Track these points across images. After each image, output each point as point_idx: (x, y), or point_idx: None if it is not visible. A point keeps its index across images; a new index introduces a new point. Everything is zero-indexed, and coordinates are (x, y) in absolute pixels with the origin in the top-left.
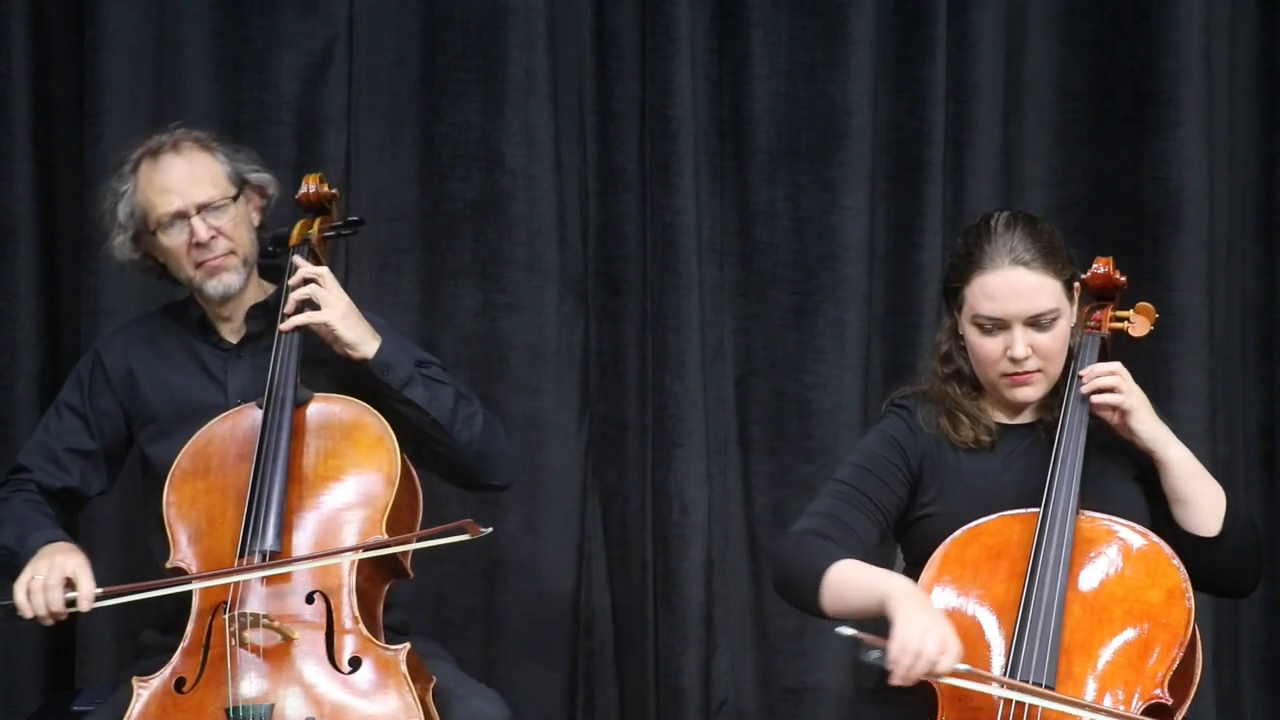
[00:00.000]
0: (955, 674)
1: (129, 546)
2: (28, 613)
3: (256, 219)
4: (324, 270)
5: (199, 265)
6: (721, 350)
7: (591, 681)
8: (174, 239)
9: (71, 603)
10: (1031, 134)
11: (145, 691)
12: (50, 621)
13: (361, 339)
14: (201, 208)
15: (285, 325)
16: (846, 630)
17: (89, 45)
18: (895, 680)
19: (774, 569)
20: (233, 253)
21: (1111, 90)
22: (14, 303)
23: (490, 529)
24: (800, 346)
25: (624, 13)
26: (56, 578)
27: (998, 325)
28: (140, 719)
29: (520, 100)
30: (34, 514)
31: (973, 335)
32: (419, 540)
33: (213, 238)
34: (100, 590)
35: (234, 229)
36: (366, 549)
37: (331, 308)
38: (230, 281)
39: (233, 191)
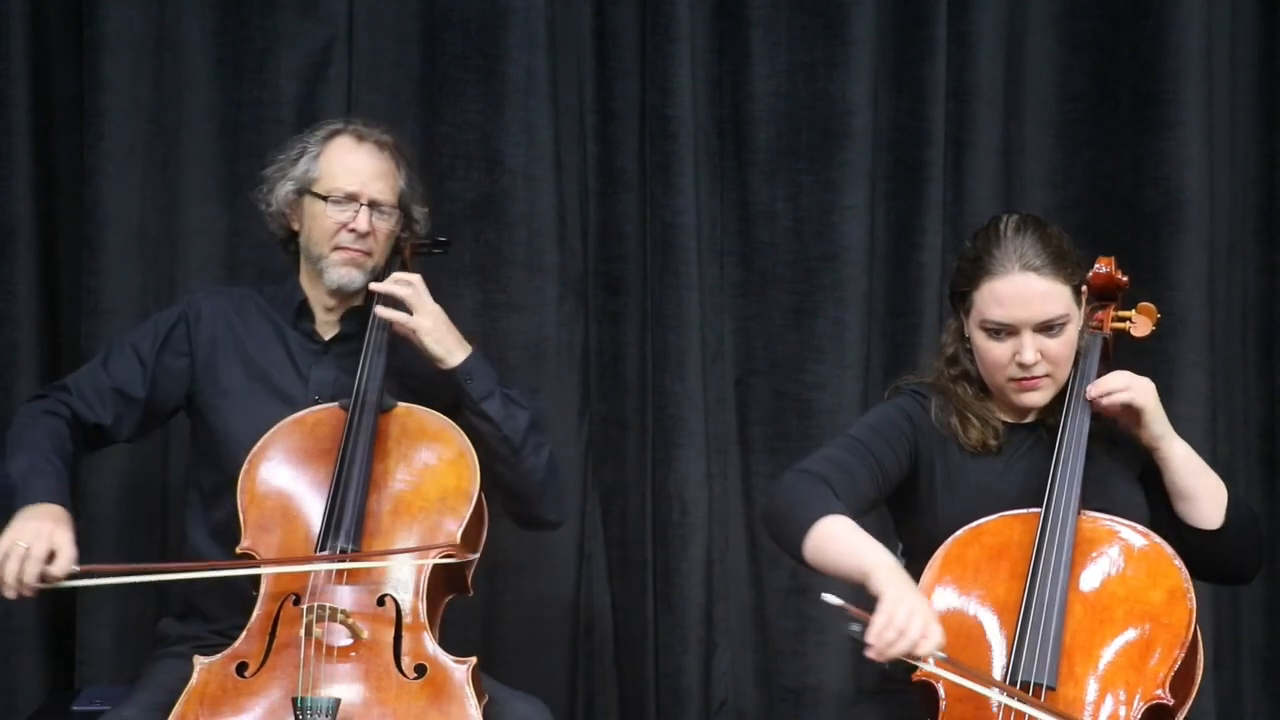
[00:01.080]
0: (935, 660)
1: (129, 545)
2: None
3: (394, 240)
4: (417, 277)
5: (338, 248)
6: (721, 350)
7: (591, 681)
8: (334, 214)
9: (44, 577)
10: (1031, 134)
11: (206, 669)
12: (13, 594)
13: (450, 350)
14: (373, 204)
15: (381, 311)
16: (832, 599)
17: (89, 45)
18: (871, 655)
19: (768, 501)
20: (370, 255)
21: (1111, 90)
22: (14, 303)
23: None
24: (800, 346)
25: (624, 13)
26: (40, 548)
27: (1007, 331)
28: (202, 696)
29: (520, 100)
30: (49, 453)
31: (980, 340)
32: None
33: (368, 233)
34: (79, 568)
35: (384, 238)
36: (396, 552)
37: (425, 314)
38: (354, 278)
39: (400, 208)
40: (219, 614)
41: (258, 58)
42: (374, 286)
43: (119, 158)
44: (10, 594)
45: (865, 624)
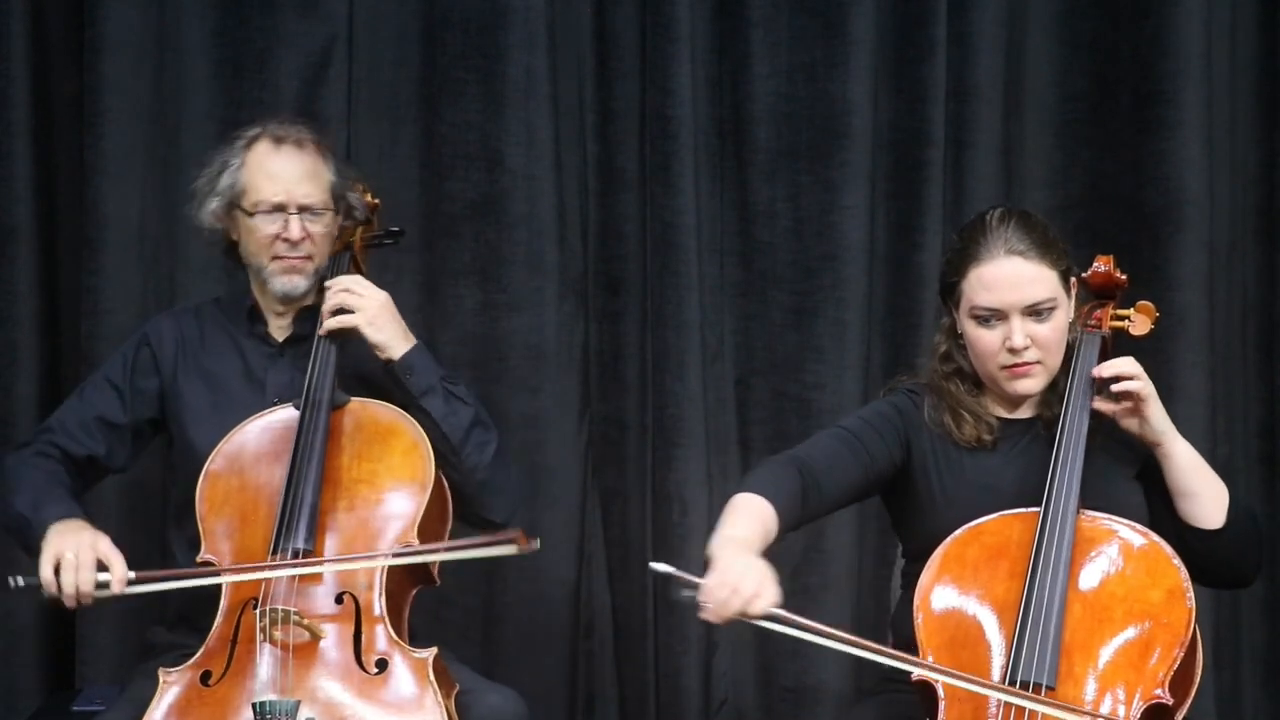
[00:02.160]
0: (770, 617)
1: (130, 545)
2: (53, 589)
3: (335, 233)
4: (356, 277)
5: (277, 258)
6: (721, 350)
7: (591, 681)
8: (265, 227)
9: (104, 584)
10: (1031, 134)
11: (172, 683)
12: (73, 604)
13: (390, 341)
14: (302, 209)
15: (322, 330)
16: (660, 567)
17: (89, 45)
18: (706, 616)
19: None
20: (310, 259)
21: (1111, 90)
22: (14, 303)
23: (537, 542)
24: (800, 346)
25: (624, 13)
26: (89, 557)
27: (996, 316)
28: (168, 710)
29: (520, 100)
30: (51, 484)
31: (971, 329)
32: (462, 550)
33: (302, 239)
34: (134, 574)
35: (321, 239)
36: (399, 554)
37: (362, 310)
38: (299, 284)
39: (332, 204)
40: (206, 622)
41: (258, 58)
42: (320, 331)
43: (119, 158)
44: (71, 605)
45: (699, 588)
